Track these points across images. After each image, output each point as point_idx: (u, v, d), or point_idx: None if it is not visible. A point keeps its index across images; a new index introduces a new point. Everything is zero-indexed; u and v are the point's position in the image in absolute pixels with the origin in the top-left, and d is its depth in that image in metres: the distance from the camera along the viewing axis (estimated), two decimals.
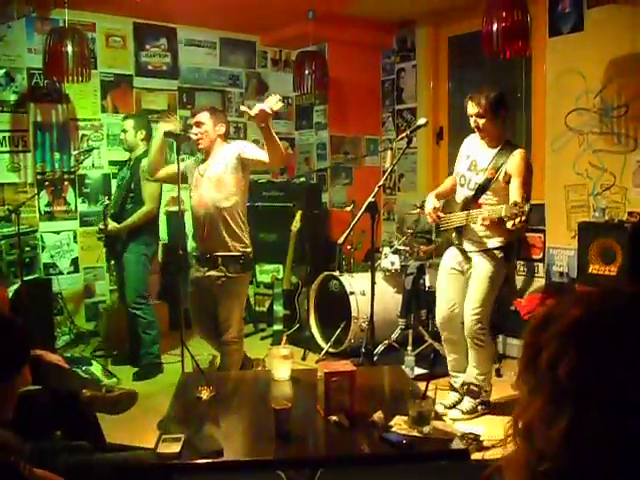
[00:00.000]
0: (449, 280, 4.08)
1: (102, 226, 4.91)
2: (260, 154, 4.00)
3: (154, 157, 4.31)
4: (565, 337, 1.00)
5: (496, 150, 3.88)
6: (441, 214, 4.07)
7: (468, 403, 4.00)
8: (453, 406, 4.07)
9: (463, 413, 3.97)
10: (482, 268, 3.89)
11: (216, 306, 4.16)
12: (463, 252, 4.03)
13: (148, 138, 5.09)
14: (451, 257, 4.09)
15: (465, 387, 4.04)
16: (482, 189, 3.89)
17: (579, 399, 0.96)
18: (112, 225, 4.92)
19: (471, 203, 3.92)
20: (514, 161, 3.78)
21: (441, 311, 4.10)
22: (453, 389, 4.17)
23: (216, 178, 4.04)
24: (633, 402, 0.92)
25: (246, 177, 4.16)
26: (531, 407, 1.01)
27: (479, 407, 4.01)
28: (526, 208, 3.38)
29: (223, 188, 4.03)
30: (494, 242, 3.89)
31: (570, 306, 1.04)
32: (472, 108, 3.85)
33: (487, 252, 3.91)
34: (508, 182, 3.78)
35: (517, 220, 3.40)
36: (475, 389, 3.97)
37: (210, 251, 4.07)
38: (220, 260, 4.03)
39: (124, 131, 5.11)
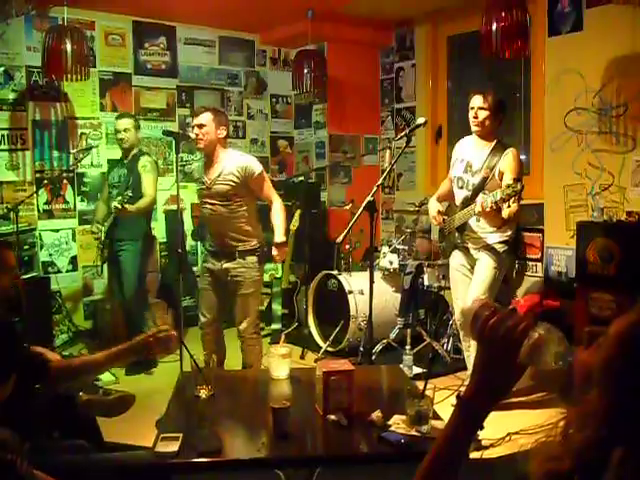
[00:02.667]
0: (461, 279, 4.26)
1: (119, 205, 4.77)
2: (266, 195, 4.21)
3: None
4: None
5: (489, 149, 4.08)
6: (445, 217, 4.28)
7: None
8: None
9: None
10: (485, 261, 4.08)
11: (230, 299, 4.25)
12: (467, 252, 4.20)
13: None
14: (458, 257, 4.28)
15: None
16: (479, 188, 4.05)
17: (621, 419, 0.93)
18: (126, 207, 4.84)
19: (470, 202, 4.06)
20: (507, 160, 3.97)
21: (457, 308, 4.33)
22: None
23: (225, 193, 4.09)
24: None
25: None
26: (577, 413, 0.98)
27: None
28: (519, 187, 3.57)
29: (233, 201, 4.11)
30: (495, 237, 4.06)
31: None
32: (478, 101, 4.03)
33: (489, 248, 4.07)
34: (502, 179, 3.94)
35: (512, 201, 3.60)
36: None
37: (227, 246, 4.15)
38: (237, 253, 4.13)
39: (126, 130, 5.11)
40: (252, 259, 4.16)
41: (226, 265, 4.16)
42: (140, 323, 5.03)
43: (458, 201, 4.23)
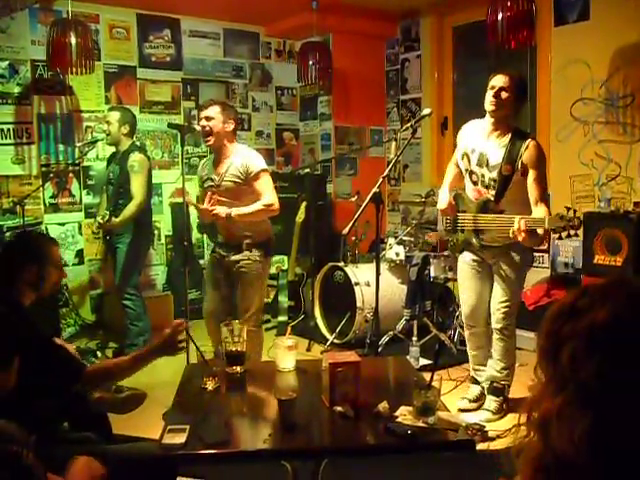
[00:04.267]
0: (471, 275, 3.96)
1: (101, 220, 4.86)
2: (263, 198, 4.05)
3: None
4: (591, 339, 1.00)
5: (506, 140, 3.65)
6: (458, 214, 3.91)
7: (494, 402, 3.92)
8: (476, 400, 4.04)
9: (493, 414, 3.88)
10: (509, 260, 3.76)
11: (235, 290, 4.24)
12: (481, 250, 3.86)
13: (131, 134, 5.09)
14: (469, 253, 3.96)
15: (488, 385, 3.99)
16: (502, 188, 3.67)
17: (602, 403, 0.97)
18: (110, 221, 4.89)
19: (494, 206, 3.72)
20: (530, 154, 3.58)
21: (468, 306, 4.00)
22: (474, 382, 4.12)
23: (232, 190, 4.07)
24: None
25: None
26: (549, 402, 1.02)
27: (504, 404, 3.93)
28: (576, 222, 3.21)
29: (240, 197, 4.07)
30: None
31: (596, 303, 1.03)
32: (501, 80, 3.59)
33: (511, 247, 3.73)
34: (524, 174, 3.61)
35: (564, 233, 3.23)
36: (499, 386, 3.92)
37: (234, 239, 4.16)
38: (244, 245, 4.13)
39: (107, 122, 5.03)
40: (259, 252, 4.16)
41: (233, 257, 4.17)
42: (129, 316, 5.06)
43: (472, 196, 3.83)
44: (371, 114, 7.09)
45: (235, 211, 3.99)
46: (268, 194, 4.08)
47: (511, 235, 3.38)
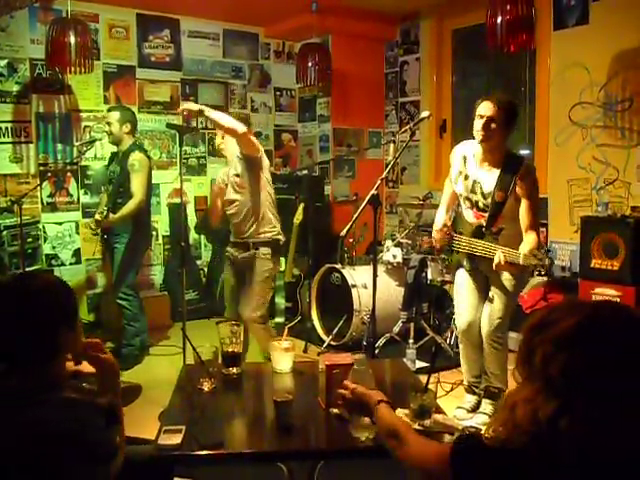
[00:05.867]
0: (467, 288, 3.94)
1: (98, 217, 4.86)
2: (232, 126, 4.08)
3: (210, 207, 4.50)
4: (558, 342, 1.26)
5: (500, 167, 3.62)
6: (455, 235, 3.91)
7: (490, 406, 3.91)
8: (474, 409, 4.02)
9: (490, 417, 3.85)
10: (503, 278, 3.75)
11: (241, 287, 4.35)
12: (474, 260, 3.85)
13: (133, 132, 5.08)
14: (464, 268, 3.94)
15: (483, 389, 3.98)
16: (495, 214, 3.66)
17: (566, 393, 1.23)
18: (108, 218, 4.88)
19: (486, 231, 3.71)
20: (522, 186, 3.55)
21: (463, 320, 3.96)
22: (470, 392, 4.09)
23: (235, 182, 4.26)
24: (609, 397, 1.21)
25: (258, 173, 4.24)
26: (522, 392, 1.29)
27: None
28: (547, 262, 3.27)
29: (242, 189, 4.24)
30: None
31: (565, 314, 1.29)
32: (487, 109, 3.51)
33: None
34: (517, 200, 3.59)
35: (535, 271, 3.38)
36: (495, 391, 3.91)
37: (243, 237, 4.31)
38: (252, 244, 4.28)
39: (108, 123, 5.01)
40: (266, 250, 4.28)
41: (242, 255, 4.31)
42: (125, 316, 5.07)
43: (469, 219, 3.82)
44: (370, 116, 7.09)
45: (207, 110, 4.07)
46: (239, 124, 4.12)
47: (494, 267, 3.49)
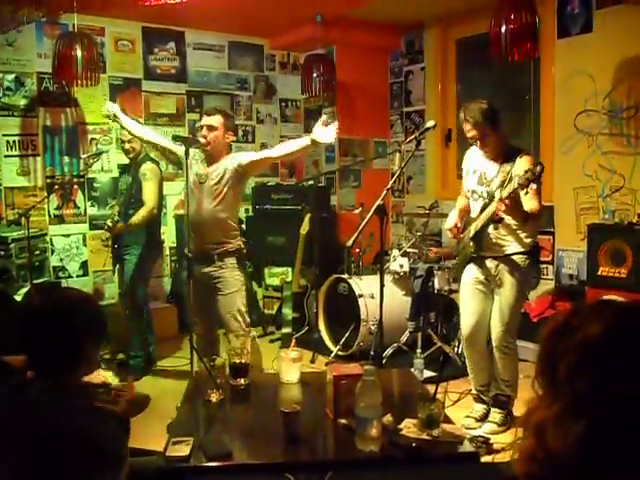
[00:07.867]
0: (473, 295, 3.95)
1: (110, 223, 4.84)
2: (264, 152, 4.06)
3: None
4: (585, 352, 1.08)
5: (501, 158, 3.78)
6: (462, 234, 3.97)
7: (499, 415, 3.90)
8: (482, 419, 3.99)
9: (499, 426, 3.86)
10: (507, 279, 3.77)
11: (215, 302, 4.08)
12: (483, 263, 3.88)
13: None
14: (471, 271, 3.96)
15: (492, 398, 3.97)
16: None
17: (597, 410, 1.04)
18: (120, 225, 4.88)
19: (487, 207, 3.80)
20: (521, 162, 3.66)
21: (468, 327, 3.97)
22: (479, 401, 4.07)
23: (216, 192, 3.99)
24: None
25: (244, 187, 4.21)
26: (546, 409, 1.10)
27: (509, 417, 3.90)
28: (538, 168, 3.31)
29: (222, 201, 4.00)
30: (513, 247, 3.76)
31: (589, 319, 1.10)
32: (467, 131, 3.78)
33: (509, 261, 3.77)
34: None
35: (532, 185, 3.33)
36: (503, 399, 3.90)
37: (206, 250, 4.04)
38: (216, 256, 4.02)
39: (130, 141, 4.96)
40: (231, 260, 4.06)
41: (206, 270, 4.05)
42: (134, 327, 5.08)
43: (474, 213, 3.90)
44: (375, 126, 7.10)
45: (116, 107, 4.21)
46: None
47: (494, 209, 3.55)
